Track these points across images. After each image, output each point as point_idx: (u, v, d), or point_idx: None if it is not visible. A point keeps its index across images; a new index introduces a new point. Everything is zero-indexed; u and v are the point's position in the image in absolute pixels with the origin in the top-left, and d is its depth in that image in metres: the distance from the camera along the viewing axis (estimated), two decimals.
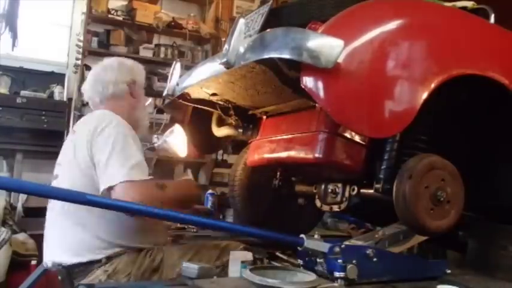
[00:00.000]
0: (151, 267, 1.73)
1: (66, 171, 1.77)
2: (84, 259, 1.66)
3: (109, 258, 1.67)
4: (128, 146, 1.68)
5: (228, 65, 1.55)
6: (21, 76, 4.30)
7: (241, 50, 1.54)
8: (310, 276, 1.39)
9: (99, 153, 1.66)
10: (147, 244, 1.76)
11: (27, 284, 1.79)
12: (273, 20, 1.67)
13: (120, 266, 1.68)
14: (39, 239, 3.48)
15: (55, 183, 1.78)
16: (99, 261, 1.67)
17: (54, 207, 1.75)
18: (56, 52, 4.61)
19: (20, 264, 3.20)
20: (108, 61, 1.99)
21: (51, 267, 1.74)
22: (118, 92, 1.90)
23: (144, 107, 2.07)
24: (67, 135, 4.24)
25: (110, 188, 1.62)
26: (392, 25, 1.47)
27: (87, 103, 2.07)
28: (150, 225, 1.78)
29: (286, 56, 1.38)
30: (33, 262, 3.26)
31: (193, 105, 2.16)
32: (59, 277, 1.70)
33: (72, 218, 1.68)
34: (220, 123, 2.24)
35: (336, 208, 1.79)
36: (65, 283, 1.66)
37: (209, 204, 2.68)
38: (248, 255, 1.62)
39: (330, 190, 1.82)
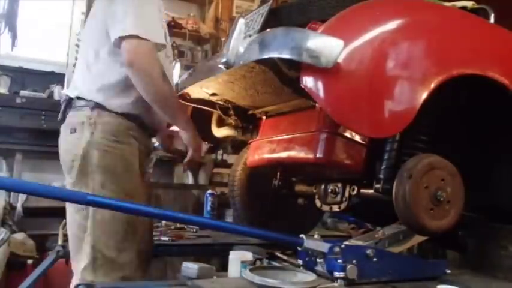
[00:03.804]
0: None
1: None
2: None
3: None
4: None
5: (227, 65, 1.55)
6: (21, 76, 4.30)
7: (241, 50, 1.54)
8: (310, 276, 1.39)
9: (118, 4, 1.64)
10: None
11: (40, 270, 1.78)
12: (272, 19, 1.67)
13: None
14: (38, 239, 3.50)
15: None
16: None
17: None
18: (56, 52, 4.61)
19: (17, 264, 3.20)
20: None
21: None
22: None
23: None
24: None
25: (121, 39, 1.62)
26: (392, 25, 1.47)
27: None
28: None
29: (286, 55, 1.37)
30: (29, 262, 3.26)
31: (193, 105, 2.16)
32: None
33: None
34: (220, 123, 2.24)
35: (335, 208, 1.79)
36: None
37: (209, 204, 2.67)
38: (248, 255, 1.62)
39: (329, 190, 1.82)
